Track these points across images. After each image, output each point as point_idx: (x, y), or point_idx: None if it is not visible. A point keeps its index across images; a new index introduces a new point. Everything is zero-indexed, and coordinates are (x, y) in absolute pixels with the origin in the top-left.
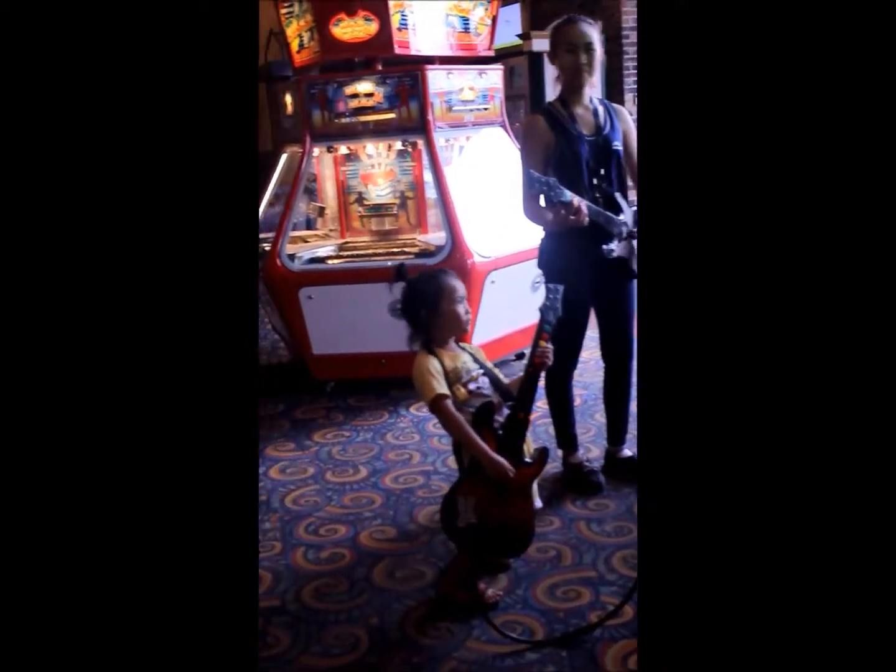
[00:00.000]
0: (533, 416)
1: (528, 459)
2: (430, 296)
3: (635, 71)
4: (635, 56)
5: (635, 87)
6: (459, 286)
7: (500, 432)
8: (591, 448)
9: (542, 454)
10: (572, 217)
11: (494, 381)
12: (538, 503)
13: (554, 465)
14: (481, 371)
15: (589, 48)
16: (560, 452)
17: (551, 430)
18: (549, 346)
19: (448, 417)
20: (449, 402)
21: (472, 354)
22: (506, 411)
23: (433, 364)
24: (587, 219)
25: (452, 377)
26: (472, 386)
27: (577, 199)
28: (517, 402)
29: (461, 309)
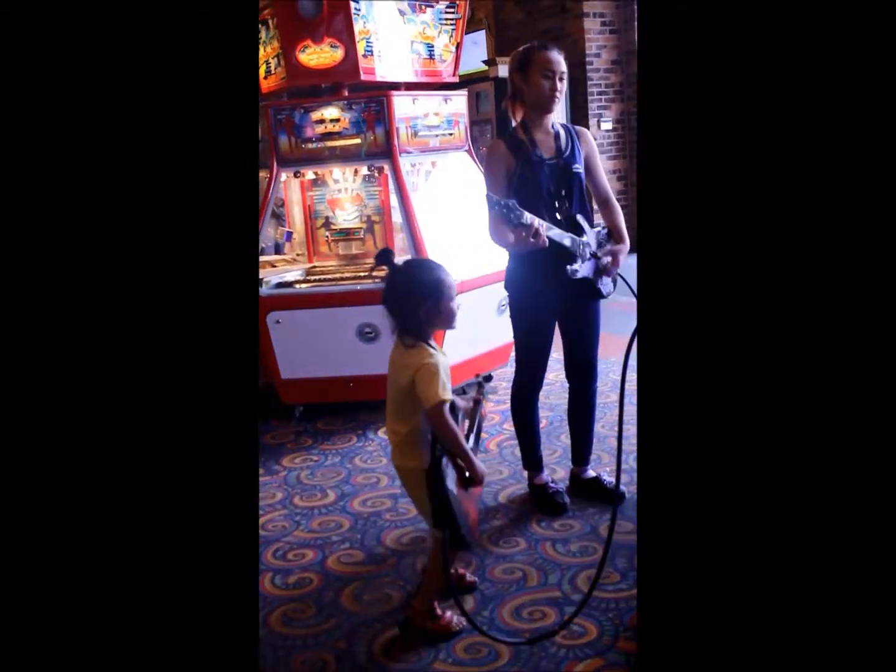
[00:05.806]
0: (499, 438)
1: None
2: (431, 288)
3: (599, 96)
4: (598, 82)
5: (599, 112)
6: (453, 282)
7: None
8: (557, 469)
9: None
10: (532, 239)
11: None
12: None
13: (520, 487)
14: None
15: (562, 77)
16: (526, 474)
17: (517, 451)
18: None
19: (447, 426)
20: (447, 409)
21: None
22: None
23: (446, 365)
24: (546, 240)
25: None
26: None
27: (536, 221)
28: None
29: (455, 306)
